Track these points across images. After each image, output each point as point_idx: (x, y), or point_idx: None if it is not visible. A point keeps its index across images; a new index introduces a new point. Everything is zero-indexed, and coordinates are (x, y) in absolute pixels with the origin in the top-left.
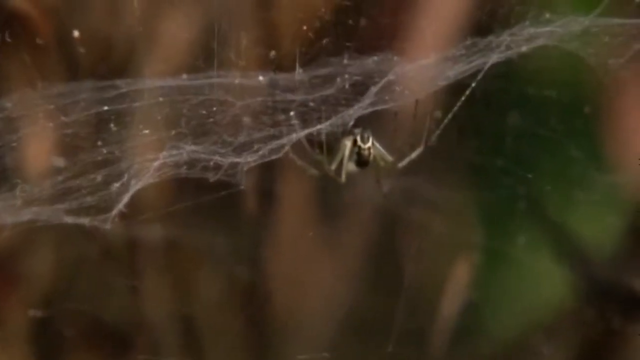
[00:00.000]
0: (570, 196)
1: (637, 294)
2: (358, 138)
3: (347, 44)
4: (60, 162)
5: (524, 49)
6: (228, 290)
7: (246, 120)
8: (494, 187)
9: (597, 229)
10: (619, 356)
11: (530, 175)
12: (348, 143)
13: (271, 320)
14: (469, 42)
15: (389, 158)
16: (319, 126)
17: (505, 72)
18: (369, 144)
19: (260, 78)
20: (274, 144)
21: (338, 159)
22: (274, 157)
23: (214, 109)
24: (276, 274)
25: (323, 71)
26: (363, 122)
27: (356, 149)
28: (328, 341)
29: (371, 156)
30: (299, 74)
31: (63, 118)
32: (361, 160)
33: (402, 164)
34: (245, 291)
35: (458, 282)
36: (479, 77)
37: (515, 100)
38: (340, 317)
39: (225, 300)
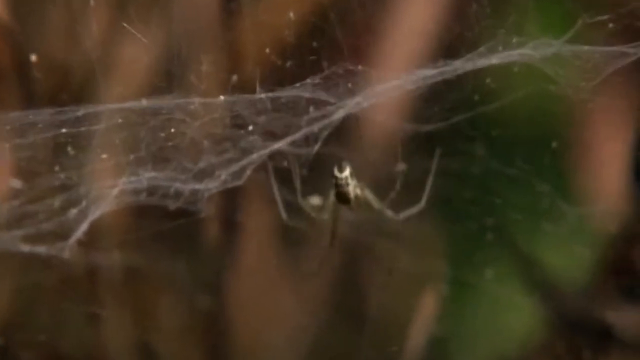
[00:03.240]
0: (539, 228)
1: (607, 327)
2: (335, 168)
3: (312, 66)
4: (17, 184)
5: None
6: (189, 319)
7: (206, 143)
8: (462, 220)
9: (567, 261)
10: None
11: (498, 208)
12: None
13: (233, 351)
14: (438, 64)
15: (375, 203)
16: (280, 143)
17: (471, 106)
18: (346, 173)
19: (222, 97)
20: (236, 166)
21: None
22: (236, 182)
23: (173, 130)
24: (238, 303)
25: (286, 93)
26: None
27: (333, 180)
28: None
29: (349, 187)
30: (259, 93)
31: (19, 141)
32: (339, 193)
33: (398, 215)
34: (207, 320)
35: (425, 314)
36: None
37: (482, 135)
38: (304, 348)
39: (186, 329)
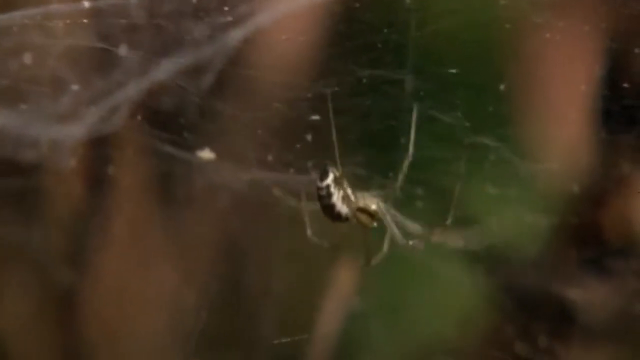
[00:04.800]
0: (483, 189)
1: (568, 307)
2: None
3: None
4: None
5: None
6: (43, 298)
7: (69, 75)
8: (387, 178)
9: (517, 228)
10: None
11: (432, 165)
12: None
13: (99, 336)
14: None
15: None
16: (161, 73)
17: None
18: (327, 181)
19: (86, 4)
20: (107, 105)
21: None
22: (107, 127)
23: (28, 58)
24: (105, 278)
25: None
26: None
27: (316, 193)
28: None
29: (334, 200)
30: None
31: None
32: (323, 207)
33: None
34: (66, 299)
35: (341, 288)
36: None
37: (412, 72)
38: (188, 332)
39: (39, 311)
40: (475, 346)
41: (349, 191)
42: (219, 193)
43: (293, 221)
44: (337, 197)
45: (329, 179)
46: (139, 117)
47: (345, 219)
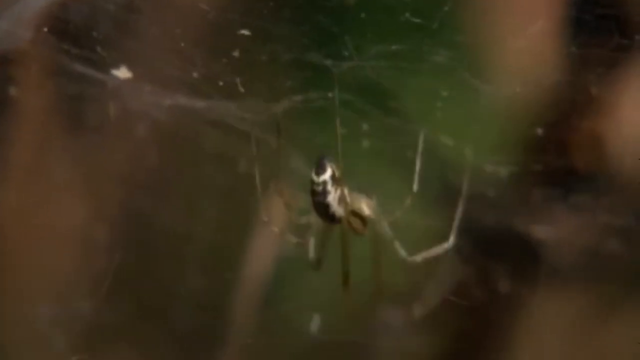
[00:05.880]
0: (432, 112)
1: (533, 246)
2: (313, 169)
3: None
4: None
5: None
6: None
7: None
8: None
9: (473, 163)
10: (509, 329)
11: (377, 86)
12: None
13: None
14: None
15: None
16: None
17: None
18: (324, 176)
19: None
20: (10, 15)
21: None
22: (9, 43)
23: None
24: (6, 211)
25: None
26: None
27: (310, 187)
28: (83, 302)
29: (330, 199)
30: None
31: None
32: (315, 205)
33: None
34: None
35: (274, 223)
36: None
37: None
38: (102, 270)
39: None
40: (428, 293)
41: (346, 191)
42: (136, 120)
43: (219, 155)
44: (333, 197)
45: (327, 175)
46: (46, 30)
47: (339, 221)
